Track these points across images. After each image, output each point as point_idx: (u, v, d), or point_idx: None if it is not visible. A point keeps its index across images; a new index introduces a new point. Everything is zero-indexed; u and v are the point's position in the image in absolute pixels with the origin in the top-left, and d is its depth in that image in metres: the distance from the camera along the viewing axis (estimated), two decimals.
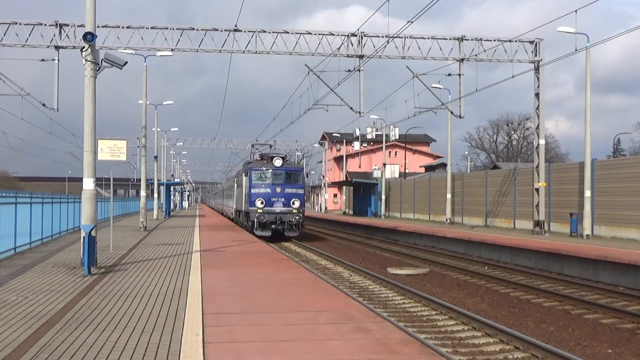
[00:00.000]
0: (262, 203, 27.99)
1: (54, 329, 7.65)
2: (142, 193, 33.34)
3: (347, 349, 6.78)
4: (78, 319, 8.31)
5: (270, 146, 36.69)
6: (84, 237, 13.03)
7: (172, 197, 65.88)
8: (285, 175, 28.74)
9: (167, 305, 9.38)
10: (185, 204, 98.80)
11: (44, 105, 27.15)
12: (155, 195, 47.74)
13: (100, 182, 22.48)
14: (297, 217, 28.11)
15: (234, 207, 38.66)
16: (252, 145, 39.14)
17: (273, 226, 27.98)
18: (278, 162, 28.86)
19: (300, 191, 29.02)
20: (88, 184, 13.93)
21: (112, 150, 16.70)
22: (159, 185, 47.42)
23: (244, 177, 30.73)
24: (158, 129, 48.71)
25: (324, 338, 7.27)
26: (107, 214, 35.72)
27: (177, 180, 76.30)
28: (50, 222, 21.95)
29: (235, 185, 37.52)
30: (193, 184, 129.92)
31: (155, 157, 44.42)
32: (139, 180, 40.75)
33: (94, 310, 8.88)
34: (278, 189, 28.30)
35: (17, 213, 17.04)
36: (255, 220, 27.77)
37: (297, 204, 28.34)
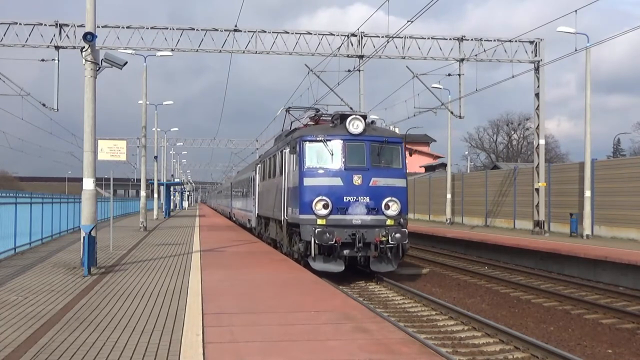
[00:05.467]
0: (325, 206, 15.08)
1: (54, 329, 7.65)
2: (142, 193, 33.33)
3: (347, 349, 6.78)
4: (78, 319, 8.31)
5: (317, 110, 20.79)
6: (84, 237, 13.03)
7: (172, 197, 65.88)
8: (372, 151, 15.73)
9: (167, 305, 9.38)
10: (185, 204, 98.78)
11: (44, 105, 27.20)
12: (155, 195, 47.73)
13: (100, 182, 22.51)
14: (396, 235, 15.02)
15: (255, 212, 25.35)
16: (287, 111, 22.13)
17: (346, 252, 15.15)
18: (357, 126, 15.69)
19: (401, 183, 15.96)
20: (88, 184, 13.93)
21: (112, 150, 16.70)
22: (158, 185, 47.42)
23: (285, 157, 17.29)
24: (158, 129, 48.76)
25: (324, 338, 7.27)
26: (107, 214, 35.72)
27: (177, 180, 76.27)
28: (50, 222, 21.95)
29: (258, 175, 24.81)
30: (193, 184, 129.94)
31: (155, 157, 44.41)
32: (139, 180, 40.78)
33: (94, 311, 8.88)
34: (357, 179, 15.34)
35: (17, 213, 17.05)
36: (314, 239, 14.80)
37: (395, 207, 15.33)
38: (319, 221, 15.04)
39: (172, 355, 6.51)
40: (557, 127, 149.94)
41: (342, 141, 15.61)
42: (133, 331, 7.62)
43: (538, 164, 29.11)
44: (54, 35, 27.23)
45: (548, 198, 29.59)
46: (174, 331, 7.60)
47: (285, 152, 17.31)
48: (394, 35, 26.67)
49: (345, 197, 15.24)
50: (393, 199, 15.36)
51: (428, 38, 29.11)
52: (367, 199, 15.31)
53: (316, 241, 14.73)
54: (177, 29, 28.51)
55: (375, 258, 15.23)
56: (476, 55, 29.31)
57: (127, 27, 28.05)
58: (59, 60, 27.16)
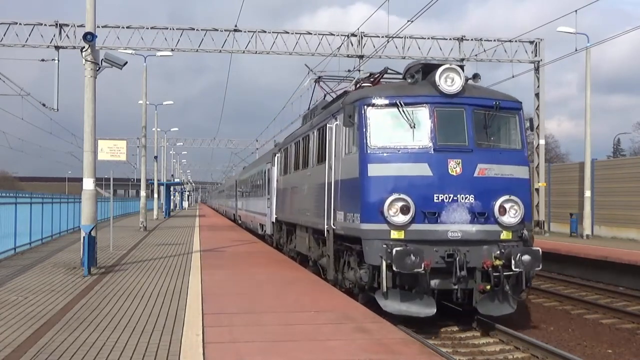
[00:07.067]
0: (405, 210, 9.79)
1: (54, 329, 7.65)
2: (142, 193, 33.35)
3: (347, 349, 6.78)
4: (78, 319, 8.30)
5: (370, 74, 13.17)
6: (84, 237, 13.03)
7: (172, 197, 65.89)
8: (477, 122, 10.42)
9: (167, 305, 9.38)
10: (185, 204, 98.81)
11: (44, 105, 27.21)
12: (155, 195, 47.74)
13: (100, 182, 22.49)
14: (523, 257, 9.71)
15: (272, 216, 20.14)
16: (317, 81, 16.70)
17: (436, 282, 9.90)
18: (452, 81, 10.27)
19: (522, 173, 10.65)
20: (88, 184, 13.94)
21: (112, 150, 16.70)
22: (158, 185, 47.43)
23: (332, 135, 11.84)
24: (158, 129, 48.79)
25: (324, 338, 7.27)
26: (107, 214, 35.71)
27: (177, 180, 76.31)
28: (50, 222, 21.95)
29: (277, 168, 19.60)
30: (193, 184, 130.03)
31: (155, 157, 44.43)
32: (139, 180, 40.82)
33: (94, 311, 8.88)
34: (455, 166, 10.06)
35: (17, 213, 17.05)
36: (387, 264, 9.55)
37: (514, 212, 10.10)
38: (395, 233, 9.80)
39: (172, 355, 6.51)
40: (557, 127, 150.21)
41: (428, 105, 10.18)
42: (133, 331, 7.62)
43: (538, 164, 29.14)
44: (54, 35, 27.26)
45: (548, 198, 29.59)
46: (174, 331, 7.60)
47: (331, 128, 11.83)
48: (394, 35, 26.68)
49: (435, 195, 9.91)
50: (512, 198, 10.05)
51: (428, 38, 29.14)
52: (471, 199, 9.97)
53: (394, 267, 9.33)
54: (177, 29, 28.55)
55: (485, 293, 9.93)
56: (476, 55, 29.34)
57: (127, 27, 28.08)
58: (59, 60, 27.20)
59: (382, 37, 28.47)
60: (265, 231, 22.46)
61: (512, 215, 10.05)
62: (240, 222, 35.17)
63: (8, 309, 9.00)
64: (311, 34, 28.92)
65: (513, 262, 9.60)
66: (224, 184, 67.81)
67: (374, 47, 28.45)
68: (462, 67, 10.55)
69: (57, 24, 27.32)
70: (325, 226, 11.94)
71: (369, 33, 29.00)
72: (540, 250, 9.96)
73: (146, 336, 7.36)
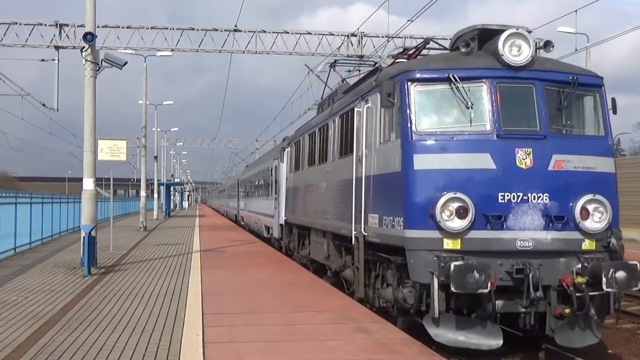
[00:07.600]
0: (462, 212, 7.70)
1: (54, 329, 7.65)
2: (142, 193, 33.37)
3: (347, 349, 6.78)
4: (78, 319, 8.31)
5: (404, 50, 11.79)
6: (84, 237, 13.03)
7: (172, 197, 65.91)
8: (549, 100, 8.30)
9: (167, 305, 9.38)
10: (185, 204, 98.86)
11: (44, 105, 27.18)
12: (155, 195, 47.75)
13: (100, 182, 22.48)
14: (617, 274, 7.71)
15: (281, 217, 18.41)
16: (332, 66, 15.43)
17: (501, 303, 7.79)
18: (519, 50, 8.13)
19: (606, 166, 8.59)
20: (88, 184, 13.95)
21: (112, 150, 16.70)
22: (158, 185, 47.44)
23: (362, 120, 9.69)
24: (158, 129, 48.83)
25: (324, 338, 7.27)
26: (107, 214, 35.70)
27: (177, 180, 76.33)
28: (50, 222, 21.96)
29: (286, 164, 18.03)
30: (193, 184, 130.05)
31: (155, 157, 44.44)
32: (139, 180, 40.84)
33: (94, 311, 8.88)
34: (524, 157, 7.96)
35: (17, 213, 17.05)
36: (439, 278, 7.49)
37: (600, 215, 8.27)
38: (449, 243, 7.85)
39: (172, 355, 6.51)
40: None
41: (489, 80, 8.22)
42: (133, 331, 7.62)
43: None
44: (54, 35, 27.24)
45: None
46: (174, 331, 7.60)
47: (359, 112, 9.89)
48: (394, 35, 26.69)
49: (500, 194, 7.94)
50: (597, 197, 8.23)
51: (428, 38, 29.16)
52: (546, 198, 8.02)
53: (453, 287, 7.31)
54: (177, 29, 28.55)
55: (564, 319, 7.99)
56: None
57: (127, 27, 28.08)
58: (59, 60, 27.16)
59: (382, 37, 28.47)
60: (271, 234, 20.91)
61: (597, 219, 8.24)
62: (243, 223, 33.51)
63: (8, 309, 9.00)
64: (311, 34, 28.92)
65: (604, 279, 7.60)
66: (225, 183, 65.06)
67: (374, 47, 28.45)
68: (530, 31, 8.51)
69: (57, 24, 27.31)
70: (353, 232, 9.91)
71: (369, 33, 29.00)
72: (639, 264, 7.94)
73: (146, 336, 7.37)
